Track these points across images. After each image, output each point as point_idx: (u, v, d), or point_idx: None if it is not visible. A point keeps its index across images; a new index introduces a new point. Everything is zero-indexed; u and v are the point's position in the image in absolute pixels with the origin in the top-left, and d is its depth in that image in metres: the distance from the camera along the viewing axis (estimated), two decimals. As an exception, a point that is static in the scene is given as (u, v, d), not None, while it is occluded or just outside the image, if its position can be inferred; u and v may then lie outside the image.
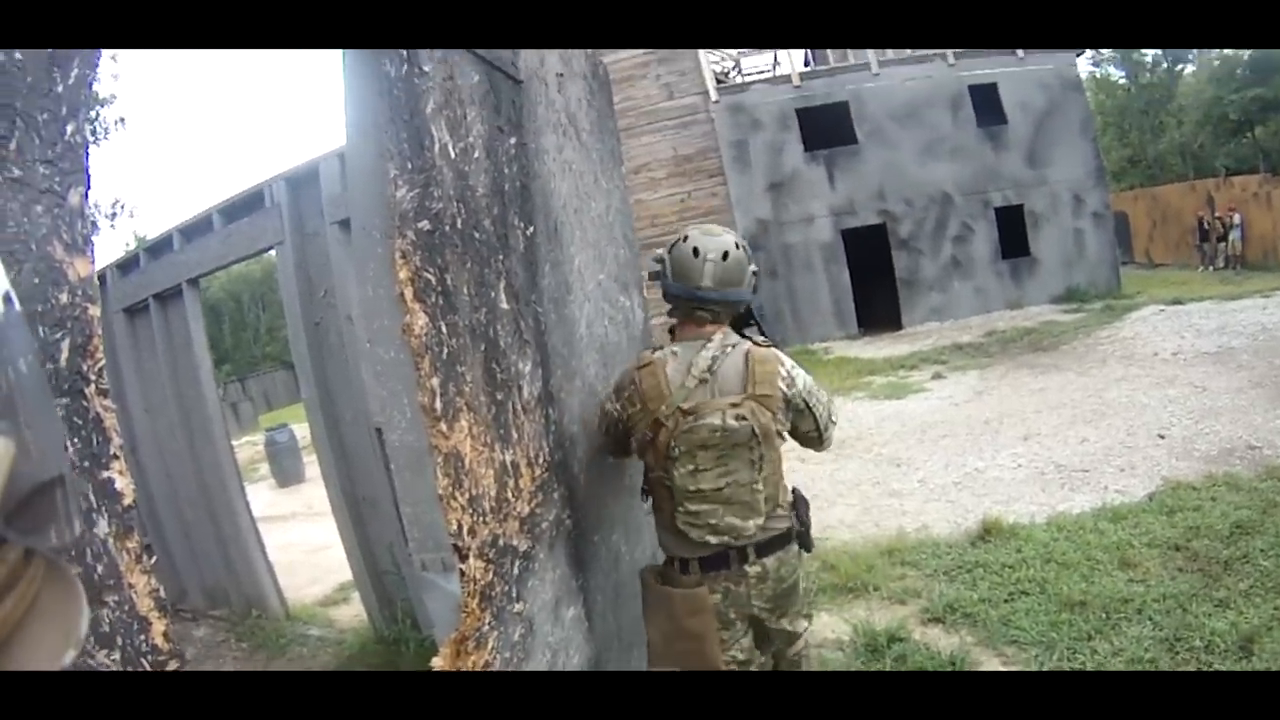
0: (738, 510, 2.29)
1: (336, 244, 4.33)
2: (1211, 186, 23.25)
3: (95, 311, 1.19)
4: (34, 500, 0.53)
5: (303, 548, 7.83)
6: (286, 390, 32.92)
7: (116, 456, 1.18)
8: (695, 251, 2.30)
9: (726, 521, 2.29)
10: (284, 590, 5.92)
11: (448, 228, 1.91)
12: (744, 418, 2.23)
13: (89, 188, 1.23)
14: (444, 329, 1.81)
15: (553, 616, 2.29)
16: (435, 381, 1.74)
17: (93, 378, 1.15)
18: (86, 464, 1.13)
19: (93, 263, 1.22)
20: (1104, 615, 3.52)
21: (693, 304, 2.36)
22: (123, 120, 15.31)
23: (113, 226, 20.59)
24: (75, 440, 1.13)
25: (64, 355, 1.12)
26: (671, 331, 2.46)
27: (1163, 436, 6.33)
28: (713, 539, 2.30)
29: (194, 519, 5.91)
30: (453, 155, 1.98)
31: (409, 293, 1.71)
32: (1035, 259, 16.53)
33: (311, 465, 12.18)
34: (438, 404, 1.75)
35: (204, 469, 5.66)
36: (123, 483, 1.18)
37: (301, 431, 13.42)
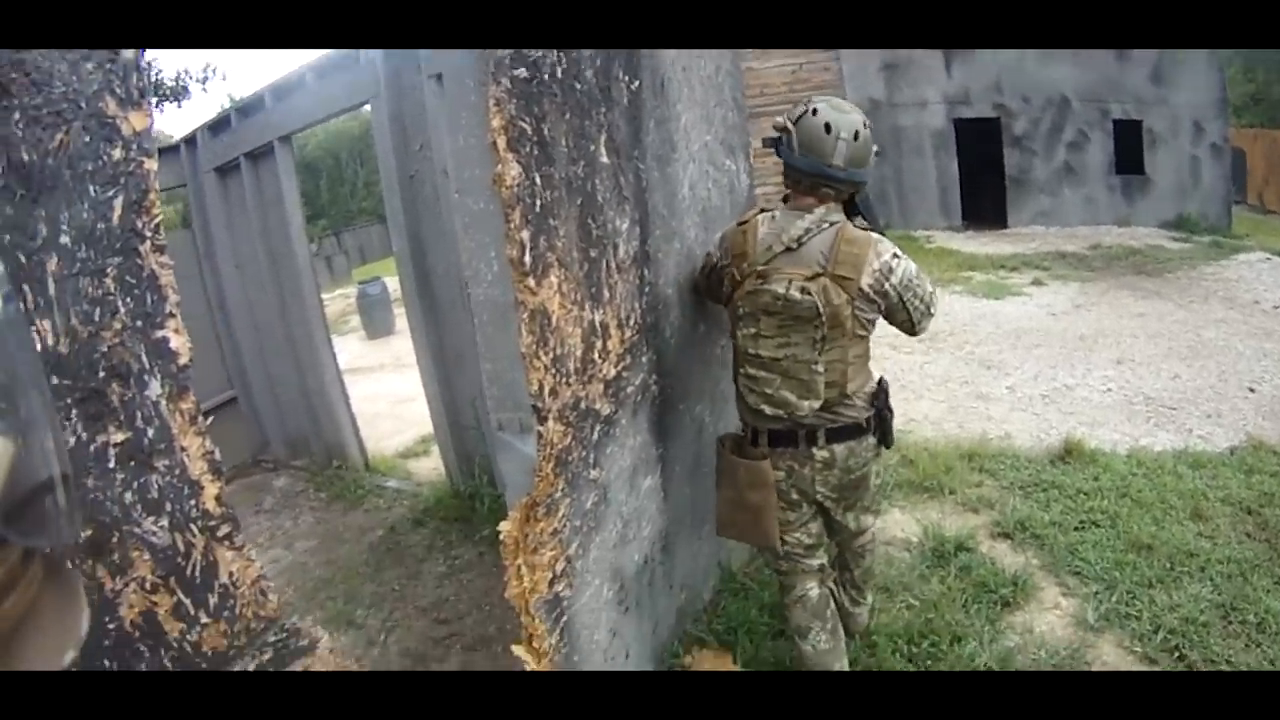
0: (794, 386, 2.23)
1: (433, 98, 4.23)
2: (1337, 134, 21.45)
3: (151, 165, 1.16)
4: (34, 500, 0.52)
5: (388, 399, 8.01)
6: (381, 244, 33.37)
7: (173, 315, 1.15)
8: (828, 127, 2.17)
9: (781, 394, 2.24)
10: (366, 441, 6.06)
11: (546, 76, 1.81)
12: (808, 292, 2.15)
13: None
14: (538, 180, 1.74)
15: (629, 485, 2.28)
16: (525, 235, 1.68)
17: (148, 234, 1.13)
18: (139, 323, 1.12)
19: (150, 116, 1.18)
20: (1168, 565, 3.41)
21: (818, 180, 2.23)
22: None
23: (205, 90, 20.75)
24: (128, 299, 1.11)
25: (116, 213, 1.10)
26: (785, 200, 2.35)
27: (1253, 390, 6.02)
28: (768, 409, 2.27)
29: (280, 372, 6.06)
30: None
31: (502, 141, 1.64)
32: (1149, 179, 15.64)
33: (402, 318, 12.49)
34: (527, 258, 1.69)
35: (292, 323, 5.76)
36: (178, 342, 1.16)
37: (394, 285, 13.67)
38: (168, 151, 6.28)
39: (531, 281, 1.71)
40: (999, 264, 11.51)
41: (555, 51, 1.85)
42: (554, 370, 1.80)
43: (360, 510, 5.20)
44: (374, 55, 4.59)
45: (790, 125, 2.22)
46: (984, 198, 15.86)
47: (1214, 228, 14.93)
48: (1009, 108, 15.57)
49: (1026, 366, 6.80)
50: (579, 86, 1.95)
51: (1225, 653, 2.87)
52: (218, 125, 5.93)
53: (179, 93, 15.98)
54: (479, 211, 1.77)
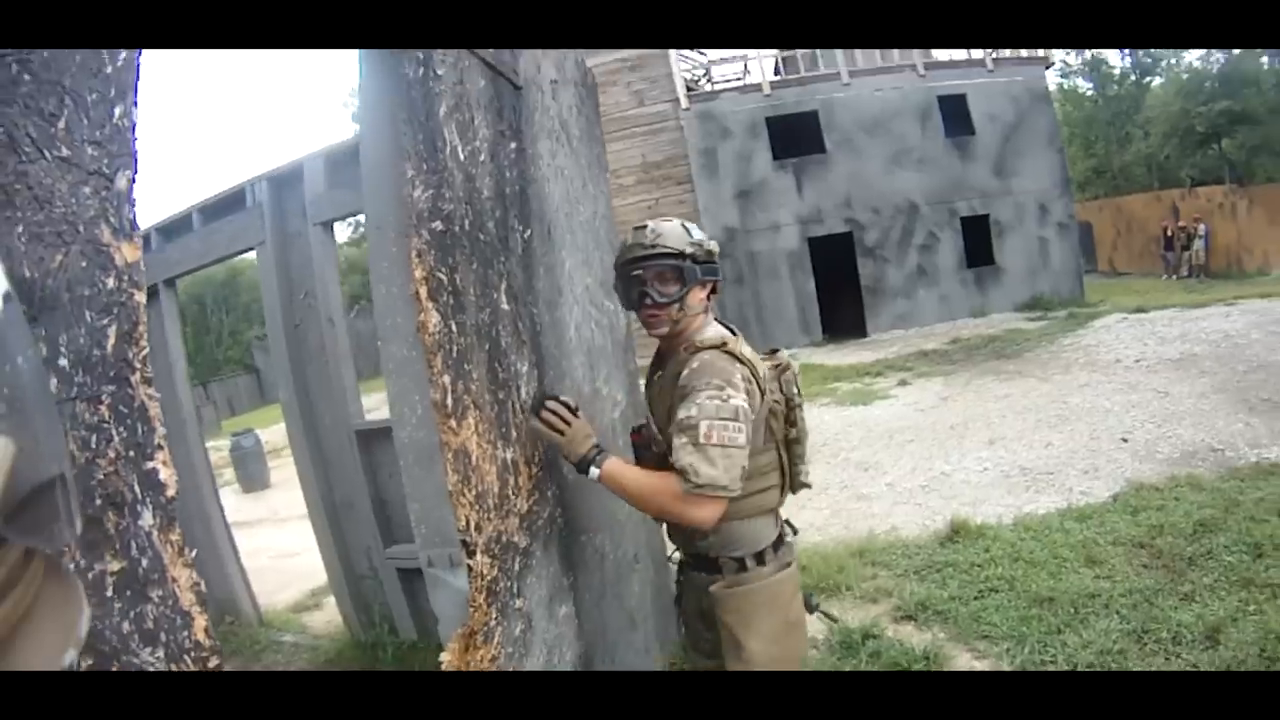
0: None
1: (319, 245, 4.33)
2: (1177, 196, 23.82)
3: (141, 298, 1.18)
4: (34, 500, 0.52)
5: (270, 553, 7.72)
6: (249, 395, 32.35)
7: (161, 446, 1.17)
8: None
9: None
10: (256, 596, 5.84)
11: (457, 228, 1.95)
12: None
13: (136, 172, 1.22)
14: (454, 328, 1.85)
15: (548, 613, 2.33)
16: (447, 379, 1.78)
17: (138, 365, 1.14)
18: (131, 454, 1.12)
19: (140, 248, 1.20)
20: (1072, 610, 3.61)
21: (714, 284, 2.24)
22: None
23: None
24: (120, 429, 1.12)
25: (110, 342, 1.11)
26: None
27: (1126, 440, 6.46)
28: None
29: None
30: (462, 158, 2.03)
31: (424, 291, 1.75)
32: (1000, 268, 16.80)
33: (276, 470, 12.08)
34: (449, 401, 1.78)
35: (177, 472, 5.55)
36: (166, 474, 1.17)
37: (266, 436, 13.28)
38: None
39: (453, 423, 1.79)
40: (863, 372, 12.03)
41: (464, 204, 2.00)
42: (477, 506, 1.87)
43: (259, 667, 4.94)
44: (261, 199, 4.65)
45: (700, 243, 2.12)
46: (842, 310, 16.62)
47: (1068, 301, 16.03)
48: (860, 221, 16.47)
49: (902, 462, 7.10)
50: (483, 237, 2.09)
51: (1147, 669, 3.03)
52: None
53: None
54: (403, 357, 1.85)
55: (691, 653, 2.37)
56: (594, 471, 2.04)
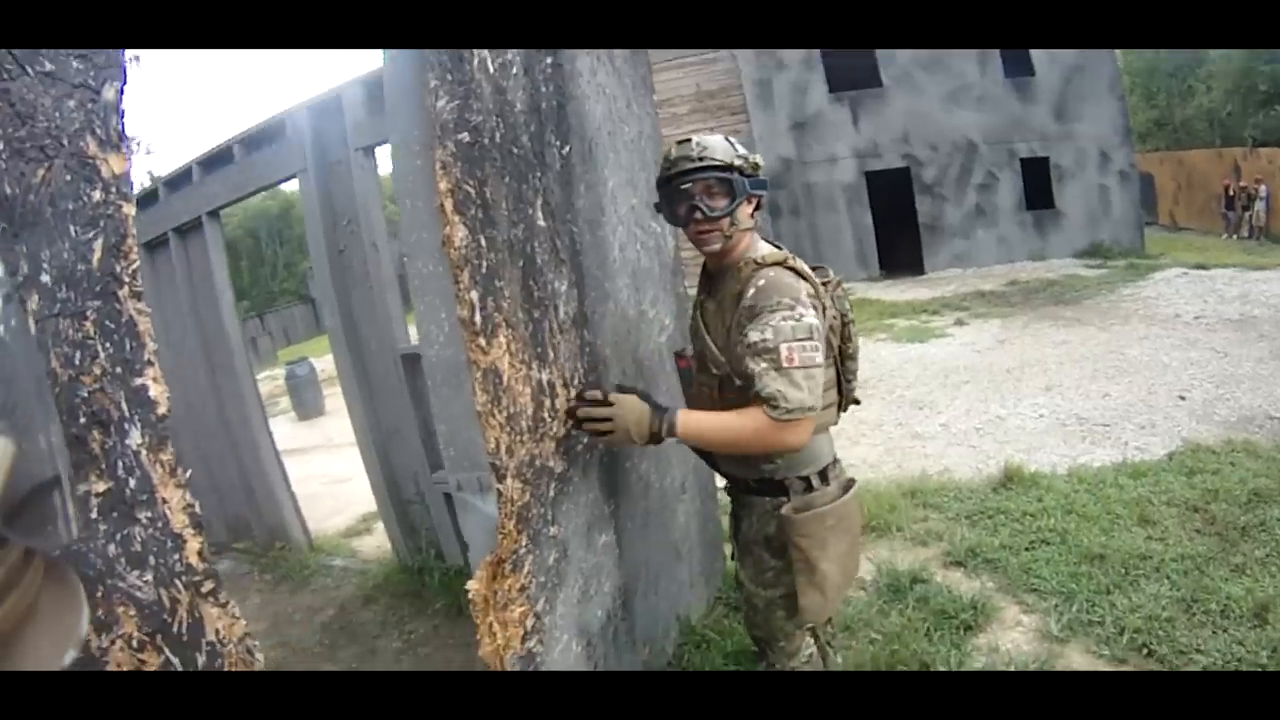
0: None
1: (361, 171, 4.26)
2: (1239, 155, 22.85)
3: (129, 210, 1.15)
4: (34, 500, 0.53)
5: (323, 480, 7.86)
6: (304, 324, 32.96)
7: (151, 363, 1.13)
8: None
9: None
10: (308, 521, 5.94)
11: (487, 141, 1.86)
12: None
13: (125, 82, 1.19)
14: (483, 242, 1.77)
15: (586, 541, 2.28)
16: (475, 295, 1.71)
17: (126, 279, 1.12)
18: (118, 370, 1.10)
19: (128, 159, 1.18)
20: (1123, 570, 3.50)
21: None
22: (138, 58, 14.96)
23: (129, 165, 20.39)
24: (106, 345, 1.09)
25: (96, 255, 1.09)
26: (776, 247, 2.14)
27: (1183, 398, 6.26)
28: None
29: (216, 452, 5.91)
30: (491, 69, 1.93)
31: (449, 204, 1.67)
32: (1060, 212, 16.30)
33: (331, 398, 12.32)
34: (477, 318, 1.71)
35: (226, 402, 5.64)
36: (157, 390, 1.14)
37: (321, 364, 13.53)
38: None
39: (482, 341, 1.73)
40: (920, 309, 11.82)
41: (494, 116, 1.90)
42: (509, 429, 1.81)
43: (308, 591, 5.05)
44: (301, 128, 4.60)
45: (748, 155, 2.04)
46: (899, 246, 16.33)
47: (1128, 251, 15.53)
48: (917, 157, 16.12)
49: (957, 403, 6.96)
50: (516, 150, 2.00)
51: (1193, 643, 2.94)
52: (145, 200, 5.82)
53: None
54: (428, 274, 1.78)
55: (749, 585, 2.29)
56: (669, 439, 1.98)
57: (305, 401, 12.55)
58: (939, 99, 15.94)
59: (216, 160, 5.24)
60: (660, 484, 2.97)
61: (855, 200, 16.39)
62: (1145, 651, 2.95)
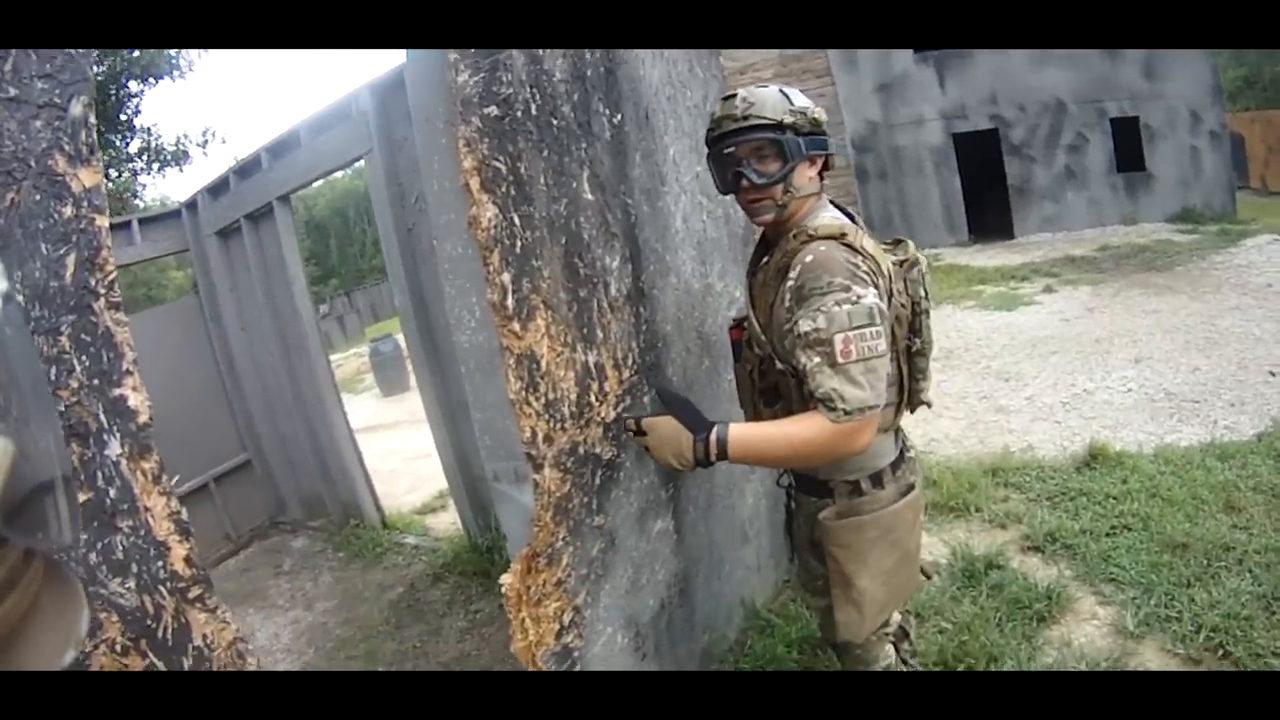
0: None
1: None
2: (1332, 114, 21.34)
3: (103, 222, 1.15)
4: (34, 500, 0.52)
5: (404, 455, 7.98)
6: (393, 301, 33.80)
7: (130, 373, 1.13)
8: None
9: None
10: (383, 498, 6.02)
11: (520, 114, 1.77)
12: None
13: (94, 96, 1.18)
14: (517, 221, 1.69)
15: (638, 529, 2.20)
16: (506, 277, 1.63)
17: (102, 291, 1.11)
18: (96, 381, 1.11)
19: (100, 172, 1.18)
20: (1205, 561, 3.31)
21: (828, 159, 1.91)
22: (207, 50, 15.39)
23: (205, 154, 21.19)
24: (83, 358, 1.10)
25: (69, 270, 1.09)
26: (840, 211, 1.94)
27: (1274, 374, 5.92)
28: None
29: (291, 432, 6.04)
30: (525, 37, 1.83)
31: (475, 183, 1.59)
32: (1150, 174, 15.55)
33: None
34: (509, 301, 1.64)
35: (301, 382, 5.75)
36: (136, 400, 1.14)
37: (405, 341, 13.77)
38: (170, 217, 6.34)
39: (516, 325, 1.65)
40: (1009, 275, 11.49)
41: (528, 87, 1.81)
42: (547, 416, 1.74)
43: (379, 568, 5.14)
44: (367, 109, 4.60)
45: (806, 109, 1.81)
46: (988, 210, 15.88)
47: (1219, 216, 14.87)
48: (1005, 118, 15.61)
49: (1044, 375, 6.71)
50: (556, 122, 1.91)
51: (1271, 644, 2.77)
52: (217, 188, 5.96)
53: (179, 157, 16.29)
54: (458, 256, 1.71)
55: (803, 592, 2.16)
56: (719, 460, 1.77)
57: (390, 378, 12.73)
58: (1026, 58, 15.30)
59: (284, 146, 5.30)
60: (728, 465, 2.87)
61: (943, 163, 15.91)
62: (1220, 652, 2.78)
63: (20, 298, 1.03)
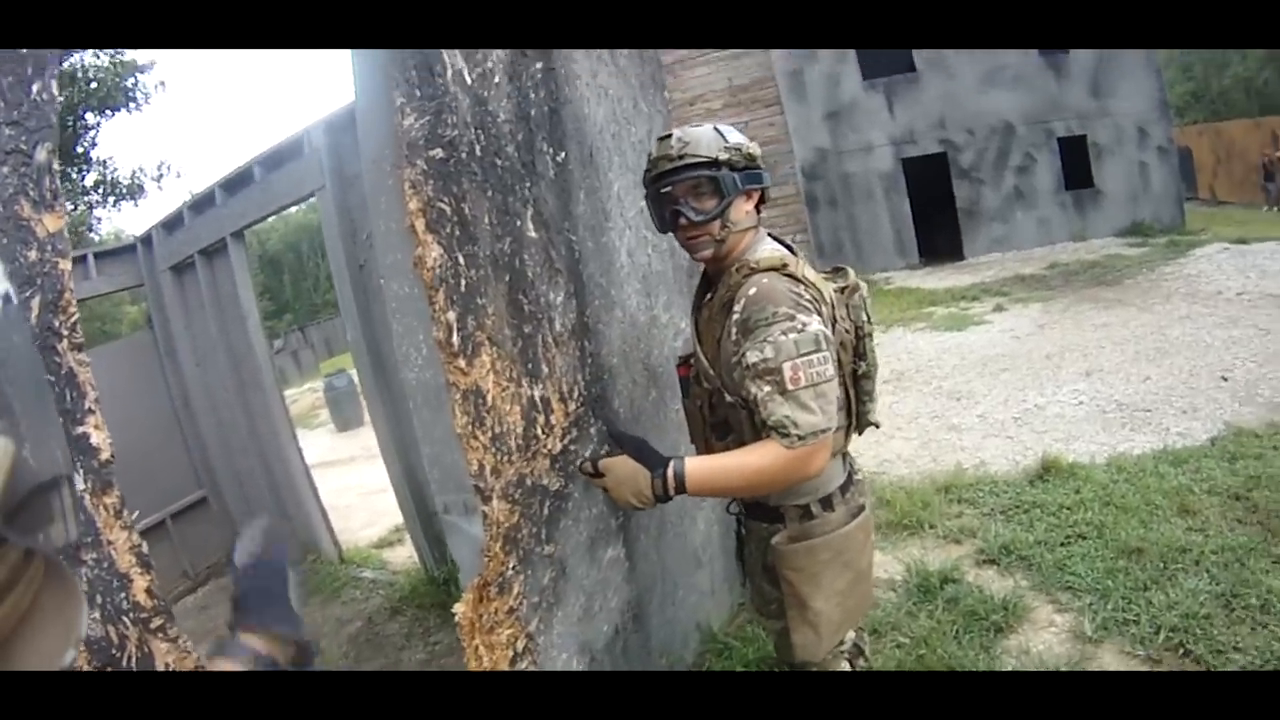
0: None
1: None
2: (1277, 124, 22.14)
3: (65, 265, 1.18)
4: (34, 500, 0.53)
5: (360, 490, 7.96)
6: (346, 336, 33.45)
7: (92, 411, 1.16)
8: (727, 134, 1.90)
9: None
10: (341, 533, 6.01)
11: (464, 155, 1.82)
12: None
13: (58, 142, 1.22)
14: (461, 260, 1.73)
15: (589, 558, 2.23)
16: (451, 315, 1.67)
17: (65, 333, 1.14)
18: (60, 420, 1.11)
19: (63, 217, 1.21)
20: (1161, 565, 3.40)
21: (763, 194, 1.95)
22: (163, 84, 15.35)
23: (160, 189, 21.03)
24: None
25: (34, 312, 1.10)
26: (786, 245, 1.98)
27: (1226, 379, 6.09)
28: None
29: (247, 468, 6.00)
30: (469, 81, 1.89)
31: (420, 224, 1.63)
32: (1099, 191, 15.98)
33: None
34: (455, 339, 1.68)
35: (256, 418, 5.73)
36: (99, 437, 1.17)
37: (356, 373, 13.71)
38: (125, 251, 6.30)
39: (461, 362, 1.69)
40: (959, 296, 11.71)
41: (473, 129, 1.86)
42: (494, 449, 1.77)
43: (337, 603, 5.11)
44: (319, 146, 4.63)
45: (740, 145, 1.87)
46: (938, 233, 16.18)
47: (1169, 228, 15.30)
48: (954, 141, 15.94)
49: (995, 393, 6.85)
50: (500, 162, 1.96)
51: (1231, 640, 2.85)
52: (171, 223, 5.94)
53: (135, 191, 16.16)
54: (404, 295, 1.75)
55: (758, 615, 2.19)
56: (678, 494, 1.80)
57: (344, 413, 12.73)
58: (974, 81, 15.70)
59: (238, 181, 5.31)
60: (675, 493, 2.92)
61: (892, 188, 16.21)
62: (1181, 651, 2.86)
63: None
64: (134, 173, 16.30)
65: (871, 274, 15.14)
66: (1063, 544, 3.74)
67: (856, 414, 2.05)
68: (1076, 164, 15.84)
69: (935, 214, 16.25)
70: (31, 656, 0.55)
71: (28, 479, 0.51)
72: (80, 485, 1.12)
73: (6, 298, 0.52)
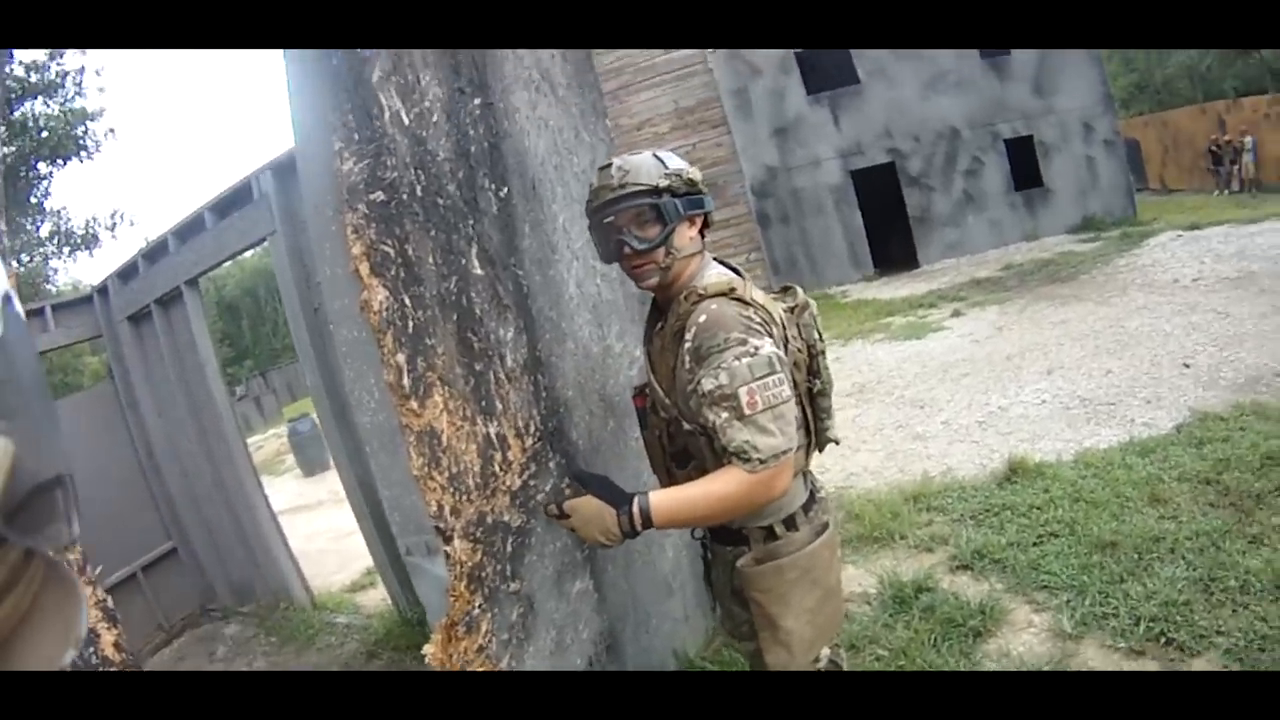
0: None
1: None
2: (1222, 109, 22.57)
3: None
4: (34, 500, 0.52)
5: (329, 535, 7.89)
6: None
7: None
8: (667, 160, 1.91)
9: None
10: (312, 578, 5.94)
11: (405, 196, 1.82)
12: None
13: (26, 197, 1.19)
14: (408, 302, 1.73)
15: (556, 591, 2.22)
16: (401, 358, 1.66)
17: None
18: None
19: (13, 277, 1.16)
20: (1136, 556, 3.42)
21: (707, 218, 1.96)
22: (113, 131, 15.26)
23: (114, 237, 20.91)
24: None
25: None
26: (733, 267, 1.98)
27: (1188, 365, 6.18)
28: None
29: (215, 517, 5.91)
30: (406, 122, 1.89)
31: (364, 268, 1.63)
32: (1049, 189, 16.24)
33: (336, 453, 12.38)
34: (405, 380, 1.67)
35: (220, 466, 5.64)
36: None
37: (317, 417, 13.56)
38: (82, 302, 6.25)
39: (414, 403, 1.68)
40: (916, 304, 11.82)
41: (413, 170, 1.86)
42: (452, 489, 1.76)
43: (313, 650, 5.04)
44: (268, 190, 4.59)
45: (680, 170, 1.87)
46: (891, 242, 16.33)
47: (1120, 220, 15.56)
48: (901, 150, 16.13)
49: (958, 398, 6.90)
50: (442, 201, 1.96)
51: (1213, 625, 2.87)
52: (126, 272, 5.88)
53: (89, 240, 16.03)
54: (354, 339, 1.74)
55: (730, 638, 2.19)
56: (645, 529, 1.78)
57: (310, 458, 12.57)
58: (917, 88, 15.93)
59: (190, 228, 5.27)
60: (640, 521, 2.92)
61: (843, 201, 16.37)
62: (1163, 640, 2.87)
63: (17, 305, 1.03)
64: (88, 222, 16.27)
65: (827, 287, 15.27)
66: (1035, 544, 3.75)
67: (815, 431, 2.06)
68: (1024, 164, 16.08)
69: (887, 223, 16.42)
70: (31, 657, 0.54)
71: (27, 479, 0.50)
72: None
73: (6, 297, 0.51)
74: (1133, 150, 22.59)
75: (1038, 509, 4.10)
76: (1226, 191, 20.11)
